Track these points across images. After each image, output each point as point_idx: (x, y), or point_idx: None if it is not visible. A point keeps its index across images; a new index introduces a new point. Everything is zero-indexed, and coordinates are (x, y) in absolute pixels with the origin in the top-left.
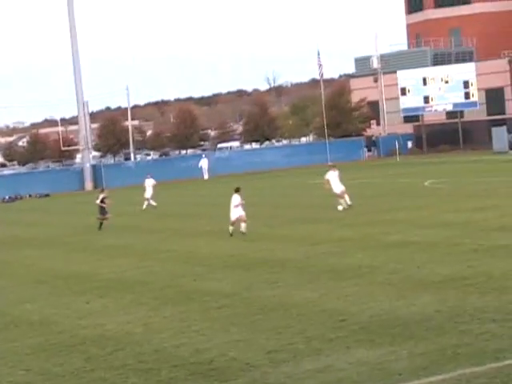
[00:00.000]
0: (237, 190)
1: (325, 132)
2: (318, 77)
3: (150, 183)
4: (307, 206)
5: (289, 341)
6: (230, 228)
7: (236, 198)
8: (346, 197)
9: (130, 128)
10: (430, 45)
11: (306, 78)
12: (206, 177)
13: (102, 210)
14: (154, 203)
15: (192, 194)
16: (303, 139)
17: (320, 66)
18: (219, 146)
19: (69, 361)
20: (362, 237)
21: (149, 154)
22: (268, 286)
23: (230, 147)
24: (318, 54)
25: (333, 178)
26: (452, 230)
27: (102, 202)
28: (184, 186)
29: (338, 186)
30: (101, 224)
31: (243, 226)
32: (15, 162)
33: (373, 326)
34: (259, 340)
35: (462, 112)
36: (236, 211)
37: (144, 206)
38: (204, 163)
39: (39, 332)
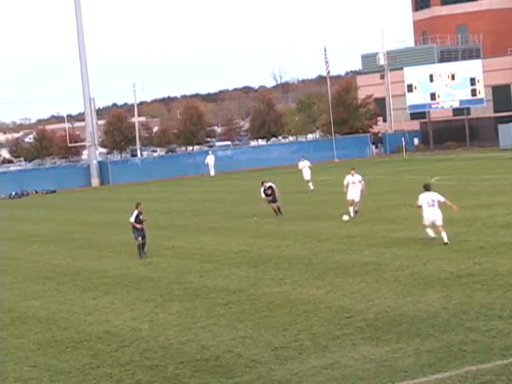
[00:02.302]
0: (427, 188)
1: (331, 129)
2: (324, 73)
3: (305, 165)
4: (313, 203)
5: (295, 337)
6: (429, 231)
7: (427, 196)
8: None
9: (136, 124)
10: (437, 42)
11: (312, 75)
12: (212, 173)
13: (271, 198)
14: (311, 187)
15: (198, 191)
16: (310, 136)
17: (327, 62)
18: (218, 144)
19: (75, 357)
20: (368, 234)
21: (155, 151)
22: (274, 282)
23: (230, 145)
24: (325, 51)
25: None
26: (458, 227)
27: (265, 193)
28: (190, 182)
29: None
30: (275, 211)
31: (444, 234)
32: (22, 159)
33: (379, 323)
34: (265, 337)
35: (468, 109)
36: (433, 212)
37: (311, 187)
38: (210, 160)
39: (45, 328)
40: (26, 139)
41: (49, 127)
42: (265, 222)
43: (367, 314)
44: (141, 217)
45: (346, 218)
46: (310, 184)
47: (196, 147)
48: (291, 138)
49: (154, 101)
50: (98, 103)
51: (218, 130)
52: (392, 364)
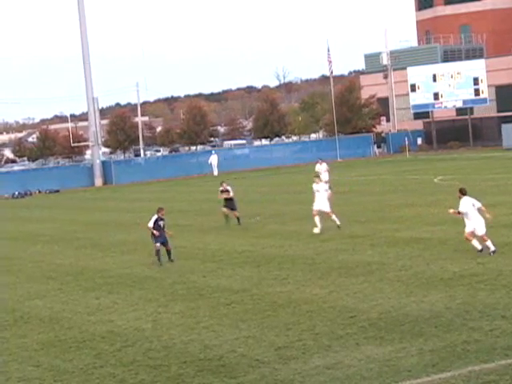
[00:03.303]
0: (463, 192)
1: (334, 128)
2: (327, 73)
3: (323, 168)
4: None
5: (298, 337)
6: (476, 243)
7: (467, 202)
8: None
9: (139, 124)
10: (440, 41)
11: (315, 75)
12: (215, 173)
13: (227, 203)
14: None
15: (201, 191)
16: (313, 136)
17: (330, 62)
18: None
19: (78, 357)
20: (371, 233)
21: (158, 151)
22: (277, 282)
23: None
24: (328, 51)
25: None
26: (462, 227)
27: (221, 193)
28: (194, 182)
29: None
30: (225, 216)
31: (489, 243)
32: (25, 158)
33: (382, 323)
34: (268, 336)
35: (471, 108)
36: (474, 222)
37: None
38: (214, 159)
39: (49, 328)
40: (30, 139)
41: (52, 127)
42: (268, 222)
43: (370, 313)
44: (160, 223)
45: (316, 230)
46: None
47: (199, 147)
48: (294, 138)
49: (158, 100)
50: (101, 103)
51: (221, 129)
52: (395, 364)
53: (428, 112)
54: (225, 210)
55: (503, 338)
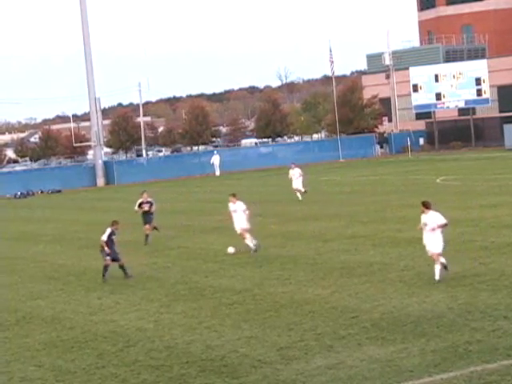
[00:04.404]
0: (428, 206)
1: (337, 128)
2: (329, 73)
3: (295, 173)
4: (318, 203)
5: (300, 337)
6: (437, 269)
7: (432, 218)
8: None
9: (141, 124)
10: (442, 41)
11: (317, 75)
12: (217, 173)
13: (145, 217)
14: (299, 195)
15: (203, 191)
16: (315, 136)
17: (332, 62)
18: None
19: (80, 357)
20: (373, 234)
21: (160, 151)
22: (279, 282)
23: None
24: (330, 51)
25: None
26: (463, 227)
27: (139, 206)
28: (196, 182)
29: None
30: (146, 236)
31: (443, 260)
32: (27, 158)
33: (384, 323)
34: (271, 337)
35: (473, 109)
36: (431, 240)
37: (300, 197)
38: (216, 159)
39: (51, 328)
40: (32, 139)
41: (54, 127)
42: (269, 222)
43: (372, 313)
44: (113, 237)
45: (231, 250)
46: (298, 194)
47: (201, 147)
48: (296, 138)
49: (160, 100)
50: (103, 103)
51: (224, 129)
52: (397, 364)
53: (430, 112)
54: (147, 227)
55: (505, 339)
